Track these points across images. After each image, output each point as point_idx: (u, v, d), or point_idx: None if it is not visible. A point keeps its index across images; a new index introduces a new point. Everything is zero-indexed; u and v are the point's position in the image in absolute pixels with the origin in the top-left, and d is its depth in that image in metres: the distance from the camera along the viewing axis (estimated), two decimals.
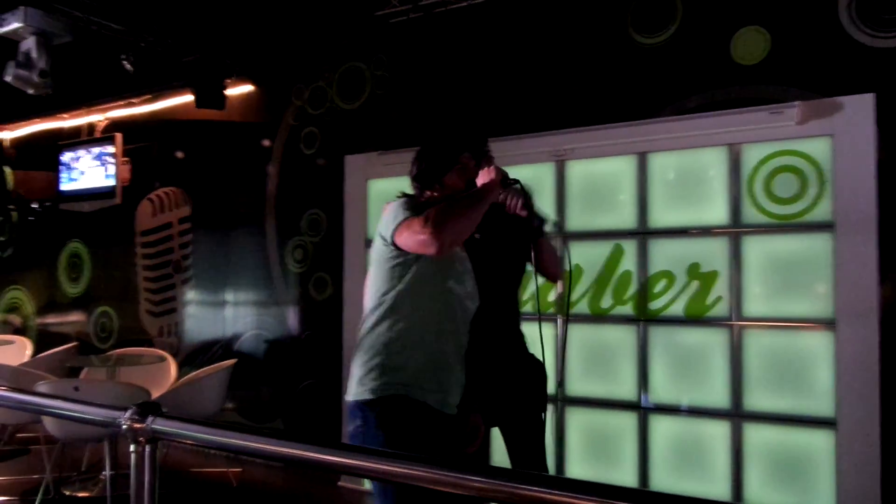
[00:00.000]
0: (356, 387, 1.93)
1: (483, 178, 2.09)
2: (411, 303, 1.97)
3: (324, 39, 4.80)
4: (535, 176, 3.82)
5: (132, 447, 1.42)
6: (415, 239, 1.90)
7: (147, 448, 1.42)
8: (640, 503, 1.00)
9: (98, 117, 6.15)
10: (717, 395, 3.31)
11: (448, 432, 1.97)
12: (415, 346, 1.93)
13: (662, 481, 3.42)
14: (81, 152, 5.91)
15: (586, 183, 3.73)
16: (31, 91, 4.33)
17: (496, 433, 2.53)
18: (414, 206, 2.00)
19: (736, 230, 3.31)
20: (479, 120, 2.03)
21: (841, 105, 3.06)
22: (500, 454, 2.55)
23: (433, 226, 1.86)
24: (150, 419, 1.41)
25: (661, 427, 3.45)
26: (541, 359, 2.49)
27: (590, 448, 3.65)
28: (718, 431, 3.30)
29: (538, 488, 1.08)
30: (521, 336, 2.57)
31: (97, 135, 6.09)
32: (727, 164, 3.34)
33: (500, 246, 2.50)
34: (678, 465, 3.40)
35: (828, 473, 3.05)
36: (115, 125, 6.02)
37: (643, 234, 3.53)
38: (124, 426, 1.42)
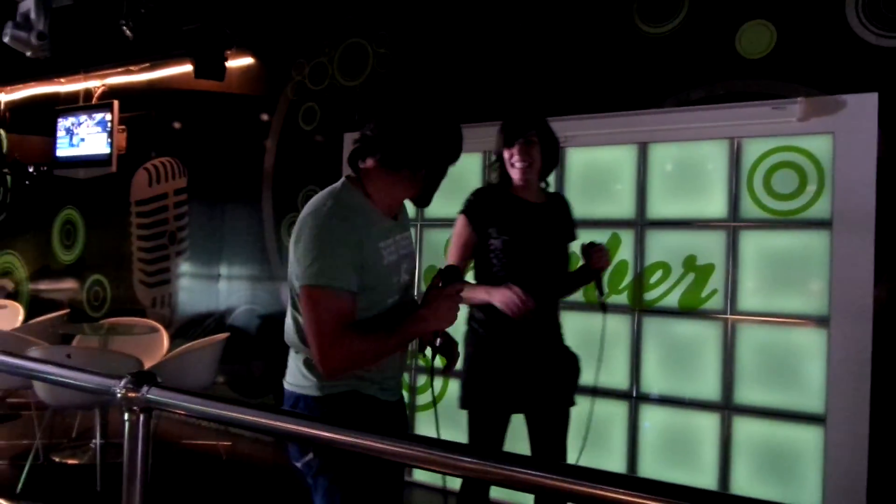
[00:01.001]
0: (301, 378, 1.75)
1: (435, 315, 1.74)
2: None
3: (326, 14, 4.76)
4: None
5: (126, 416, 1.42)
6: (309, 335, 1.64)
7: (141, 417, 1.42)
8: (632, 489, 1.00)
9: (95, 83, 6.09)
10: (708, 387, 3.33)
11: (392, 420, 1.86)
12: None
13: (651, 470, 3.45)
14: (78, 118, 5.87)
15: (586, 171, 3.72)
16: (28, 53, 4.29)
17: (517, 421, 2.54)
18: (348, 248, 1.63)
19: (734, 224, 3.31)
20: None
21: (844, 103, 3.05)
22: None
23: (333, 361, 1.62)
24: (145, 388, 1.41)
25: (652, 417, 3.48)
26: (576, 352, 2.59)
27: (581, 436, 3.66)
28: (708, 423, 3.33)
29: (530, 471, 1.08)
30: (559, 327, 2.59)
31: (94, 101, 6.04)
32: (727, 157, 3.34)
33: (548, 237, 2.52)
34: (667, 455, 3.43)
35: (815, 468, 3.08)
36: (112, 92, 5.96)
37: (641, 224, 3.53)
38: (119, 395, 1.42)
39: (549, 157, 2.51)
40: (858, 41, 3.09)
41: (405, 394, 2.03)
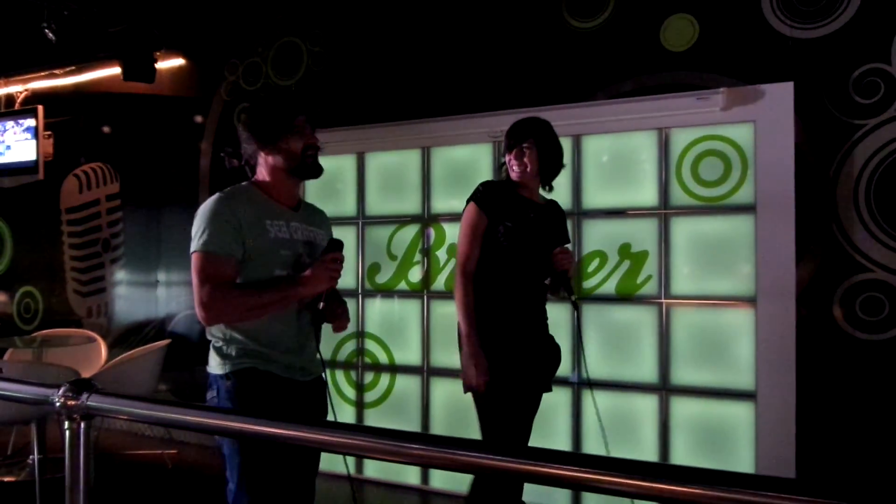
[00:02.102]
0: (213, 360, 2.06)
1: (312, 280, 2.00)
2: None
3: (258, 13, 4.71)
4: (472, 157, 3.87)
5: (66, 424, 1.40)
6: (194, 293, 1.97)
7: (82, 425, 1.40)
8: (579, 465, 1.05)
9: (18, 88, 5.87)
10: (646, 370, 3.45)
11: (301, 397, 2.09)
12: (256, 324, 2.02)
13: (594, 452, 3.55)
14: (1, 125, 5.64)
15: None
16: None
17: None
18: (224, 224, 1.97)
19: (664, 211, 3.43)
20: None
21: (763, 92, 3.20)
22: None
23: (209, 315, 1.96)
24: (84, 395, 1.39)
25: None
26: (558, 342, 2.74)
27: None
28: (647, 405, 3.44)
29: (475, 454, 1.12)
30: (545, 317, 2.72)
31: (17, 107, 5.82)
32: (657, 147, 3.46)
33: (545, 235, 2.65)
34: (609, 438, 3.52)
35: (748, 443, 3.22)
36: (36, 97, 5.76)
37: (577, 214, 3.62)
38: (58, 403, 1.40)
39: (548, 162, 2.65)
40: (774, 33, 3.24)
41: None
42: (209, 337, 2.09)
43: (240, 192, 2.09)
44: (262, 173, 2.14)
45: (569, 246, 2.72)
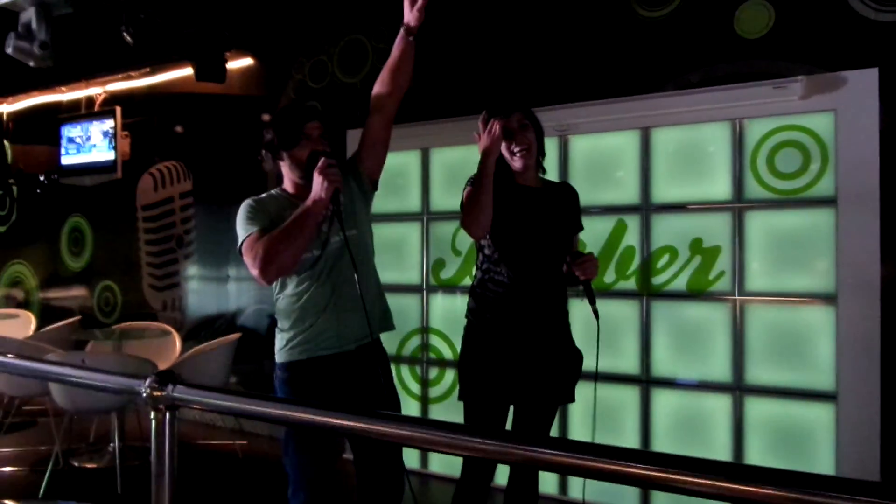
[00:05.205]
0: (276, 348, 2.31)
1: (316, 189, 2.12)
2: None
3: (325, 12, 4.77)
4: None
5: (152, 414, 1.45)
6: (250, 271, 2.19)
7: (167, 415, 1.45)
8: (643, 462, 1.02)
9: (97, 90, 6.11)
10: (718, 368, 3.35)
11: (349, 368, 2.24)
12: (303, 310, 2.23)
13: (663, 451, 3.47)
14: (81, 126, 5.89)
15: (589, 158, 3.74)
16: (31, 63, 4.30)
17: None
18: (255, 212, 2.21)
19: (738, 205, 3.33)
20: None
21: (845, 80, 3.06)
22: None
23: (260, 267, 2.13)
24: (170, 387, 1.43)
25: (664, 400, 3.50)
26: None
27: (593, 420, 3.69)
28: (720, 405, 3.35)
29: (540, 450, 1.10)
30: (559, 319, 2.47)
31: (96, 108, 6.07)
32: (730, 139, 3.35)
33: (542, 222, 2.43)
34: (680, 438, 3.46)
35: (828, 446, 3.10)
36: (113, 98, 5.99)
37: (646, 209, 3.54)
38: (144, 394, 1.45)
39: (540, 142, 2.46)
40: (857, 17, 3.10)
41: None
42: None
43: (267, 196, 2.30)
44: (286, 183, 2.33)
45: (590, 252, 2.39)
